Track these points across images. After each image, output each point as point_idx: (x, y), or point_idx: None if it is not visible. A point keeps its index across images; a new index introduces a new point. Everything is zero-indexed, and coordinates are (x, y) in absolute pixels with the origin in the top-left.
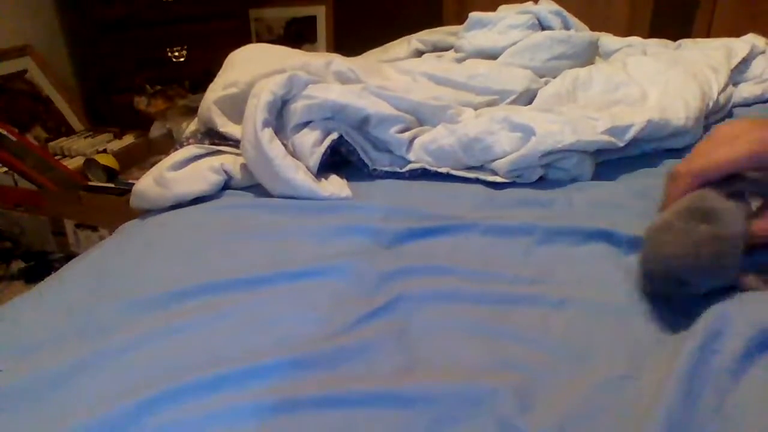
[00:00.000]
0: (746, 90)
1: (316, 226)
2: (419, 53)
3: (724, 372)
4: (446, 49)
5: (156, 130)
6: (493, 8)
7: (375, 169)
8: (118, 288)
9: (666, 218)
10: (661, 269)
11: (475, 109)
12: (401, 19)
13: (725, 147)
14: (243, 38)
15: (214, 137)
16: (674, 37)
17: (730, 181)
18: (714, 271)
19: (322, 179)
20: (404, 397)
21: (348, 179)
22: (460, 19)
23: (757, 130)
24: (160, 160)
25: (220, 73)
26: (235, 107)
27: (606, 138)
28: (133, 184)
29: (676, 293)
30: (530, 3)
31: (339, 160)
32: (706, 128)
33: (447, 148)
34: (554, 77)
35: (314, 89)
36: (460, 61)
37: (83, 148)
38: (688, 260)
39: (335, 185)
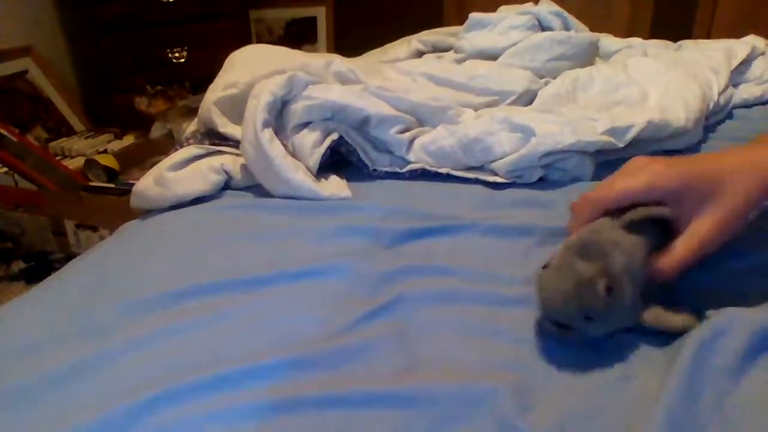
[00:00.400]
0: (746, 91)
1: (316, 226)
2: (419, 54)
3: (724, 372)
4: (446, 49)
5: (156, 131)
6: (494, 9)
7: (375, 170)
8: (119, 288)
9: (554, 256)
10: (545, 314)
11: (475, 109)
12: (401, 19)
13: (626, 178)
14: (243, 39)
15: (214, 138)
16: (674, 38)
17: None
18: (602, 315)
19: (322, 179)
20: (404, 398)
21: (348, 179)
22: (460, 19)
23: (659, 164)
24: (161, 160)
25: (220, 73)
26: (235, 108)
27: (606, 139)
28: (134, 184)
29: (572, 338)
30: (530, 4)
31: (339, 161)
32: (707, 129)
33: (447, 149)
34: (554, 78)
35: (314, 90)
36: (460, 61)
37: (84, 149)
38: (566, 304)
39: (335, 185)
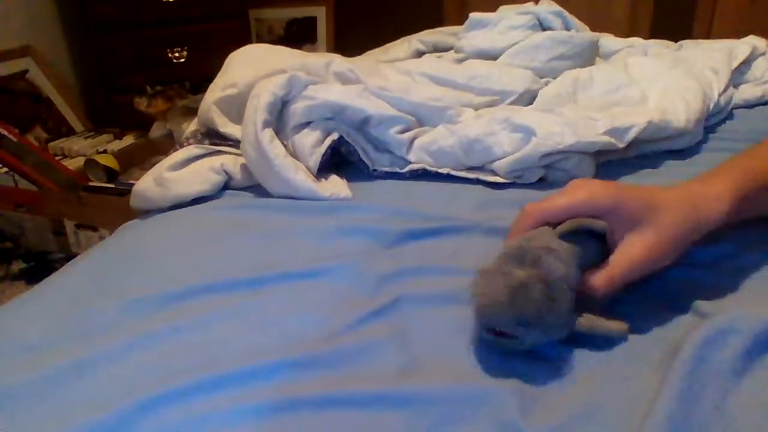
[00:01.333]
0: (747, 91)
1: (316, 226)
2: (419, 54)
3: (724, 372)
4: (446, 49)
5: (156, 131)
6: (494, 9)
7: (375, 170)
8: (119, 288)
9: (491, 262)
10: (479, 320)
11: (476, 109)
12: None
13: (564, 194)
14: (243, 39)
15: (214, 137)
16: (674, 38)
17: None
18: (538, 320)
19: (322, 179)
20: (404, 398)
21: (348, 180)
22: (460, 19)
23: (596, 183)
24: (161, 160)
25: (220, 73)
26: (235, 108)
27: (606, 139)
28: (134, 184)
29: (504, 346)
30: (530, 3)
31: (339, 161)
32: (707, 129)
33: (447, 149)
34: (555, 78)
35: (314, 90)
36: (460, 61)
37: (83, 149)
38: (501, 308)
39: (335, 185)
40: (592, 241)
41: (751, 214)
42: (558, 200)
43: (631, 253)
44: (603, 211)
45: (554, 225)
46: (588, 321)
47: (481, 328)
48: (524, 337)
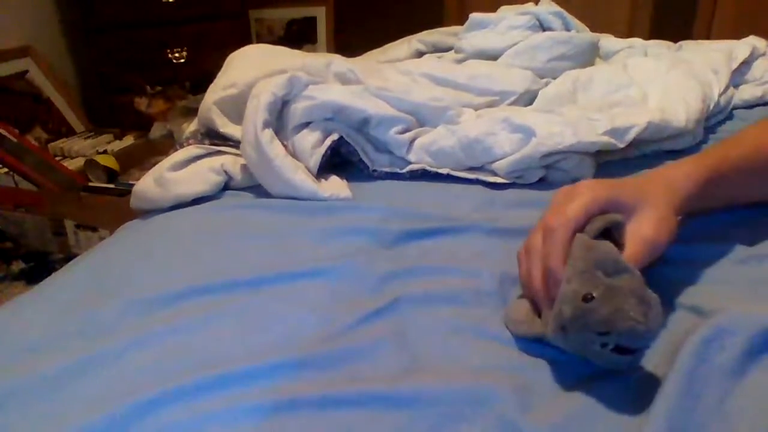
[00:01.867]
0: (747, 92)
1: (316, 226)
2: (420, 54)
3: (724, 372)
4: (447, 49)
5: (156, 131)
6: (494, 9)
7: (375, 170)
8: (119, 288)
9: (570, 282)
10: (610, 339)
11: (476, 109)
12: (401, 19)
13: (572, 201)
14: (243, 39)
15: (214, 138)
16: (674, 39)
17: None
18: (657, 333)
19: (323, 180)
20: (404, 398)
21: (348, 180)
22: (460, 19)
23: (589, 183)
24: (161, 160)
25: (220, 73)
26: (235, 108)
27: (606, 139)
28: (134, 184)
29: (626, 362)
30: (531, 4)
31: (339, 161)
32: (707, 130)
33: (447, 149)
34: (555, 78)
35: (314, 90)
36: (460, 61)
37: (84, 149)
38: (644, 327)
39: (335, 186)
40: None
41: (724, 200)
42: (572, 206)
43: (642, 234)
44: (606, 206)
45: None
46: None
47: (602, 350)
48: (645, 350)
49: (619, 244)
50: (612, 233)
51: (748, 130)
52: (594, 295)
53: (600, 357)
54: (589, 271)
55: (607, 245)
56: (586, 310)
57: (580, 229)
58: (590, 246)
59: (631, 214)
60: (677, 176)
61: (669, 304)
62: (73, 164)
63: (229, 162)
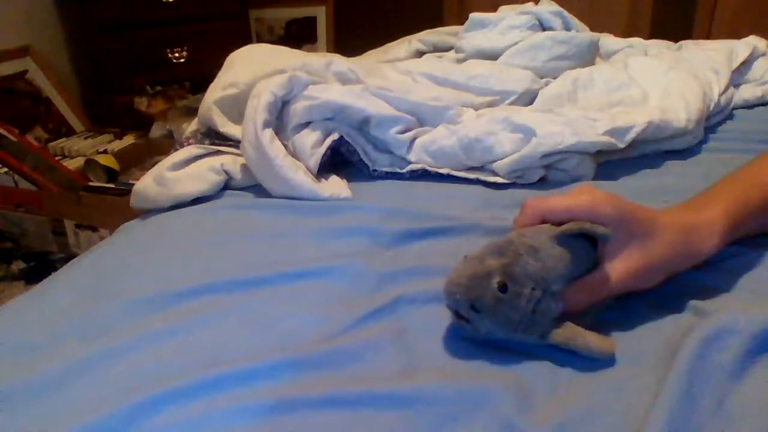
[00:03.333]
0: (747, 92)
1: (316, 226)
2: (420, 53)
3: (724, 372)
4: (447, 49)
5: (156, 131)
6: (494, 9)
7: (375, 170)
8: (119, 288)
9: (478, 251)
10: (447, 300)
11: (476, 109)
12: (401, 19)
13: (569, 196)
14: (243, 39)
15: (214, 137)
16: (674, 38)
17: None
18: (489, 310)
19: (323, 180)
20: (404, 398)
21: (348, 180)
22: (460, 19)
23: (602, 192)
24: (161, 160)
25: (220, 73)
26: (235, 108)
27: (607, 139)
28: (134, 184)
29: (463, 329)
30: (531, 3)
31: (339, 161)
32: (707, 130)
33: (447, 149)
34: (555, 78)
35: (314, 90)
36: (460, 61)
37: (83, 149)
38: (457, 290)
39: (335, 186)
40: (590, 250)
41: (740, 236)
42: (560, 200)
43: (628, 265)
44: (603, 221)
45: (557, 224)
46: (567, 332)
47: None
48: (477, 324)
49: (594, 256)
50: (597, 243)
51: (762, 165)
52: (464, 256)
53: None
54: (491, 245)
55: (536, 238)
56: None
57: (553, 221)
58: (525, 233)
59: (630, 240)
60: (700, 229)
61: (670, 304)
62: (73, 164)
63: (229, 162)
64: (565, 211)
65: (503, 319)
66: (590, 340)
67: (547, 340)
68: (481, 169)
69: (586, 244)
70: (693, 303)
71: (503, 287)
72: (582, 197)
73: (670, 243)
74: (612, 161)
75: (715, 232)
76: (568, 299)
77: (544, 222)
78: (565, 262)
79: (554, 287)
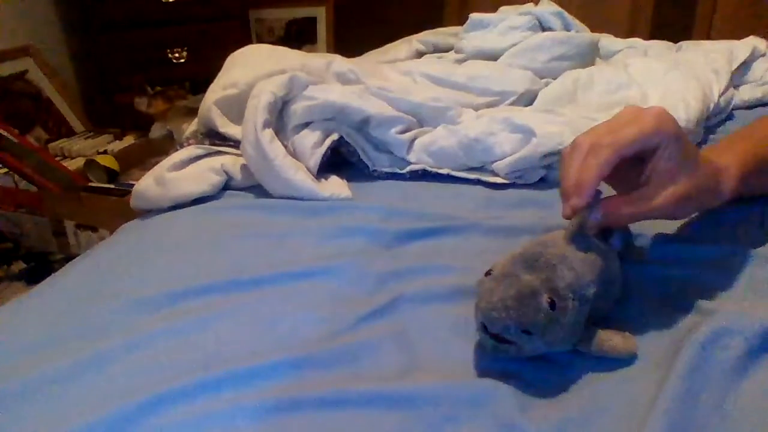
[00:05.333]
0: (747, 92)
1: (316, 226)
2: (420, 54)
3: (724, 372)
4: (447, 50)
5: (156, 131)
6: (494, 9)
7: (375, 170)
8: (119, 288)
9: (502, 261)
10: (480, 321)
11: (476, 110)
12: (401, 19)
13: (634, 123)
14: (243, 39)
15: (214, 138)
16: (674, 39)
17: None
18: (542, 330)
19: (323, 180)
20: (404, 398)
21: (348, 180)
22: (460, 19)
23: (658, 110)
24: (161, 161)
25: (220, 73)
26: (236, 108)
27: None
28: (134, 184)
29: (502, 351)
30: (530, 4)
31: (339, 161)
32: (707, 130)
33: (447, 149)
34: (555, 78)
35: (315, 90)
36: (460, 62)
37: (84, 149)
38: (506, 314)
39: (335, 186)
40: (600, 240)
41: (747, 192)
42: (629, 135)
43: (675, 190)
44: (668, 141)
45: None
46: (596, 338)
47: (479, 329)
48: (524, 345)
49: (605, 248)
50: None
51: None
52: (491, 271)
53: (481, 338)
54: (518, 256)
55: (563, 247)
56: (479, 282)
57: (627, 156)
58: (548, 243)
59: (679, 165)
60: (721, 171)
61: (671, 304)
62: (73, 164)
63: (229, 162)
64: (638, 144)
65: (552, 336)
66: (616, 342)
67: (581, 347)
68: (481, 169)
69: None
70: (694, 303)
71: (552, 304)
72: (648, 122)
73: (707, 176)
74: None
75: (732, 176)
76: (611, 211)
77: (619, 164)
78: (591, 265)
79: (587, 293)
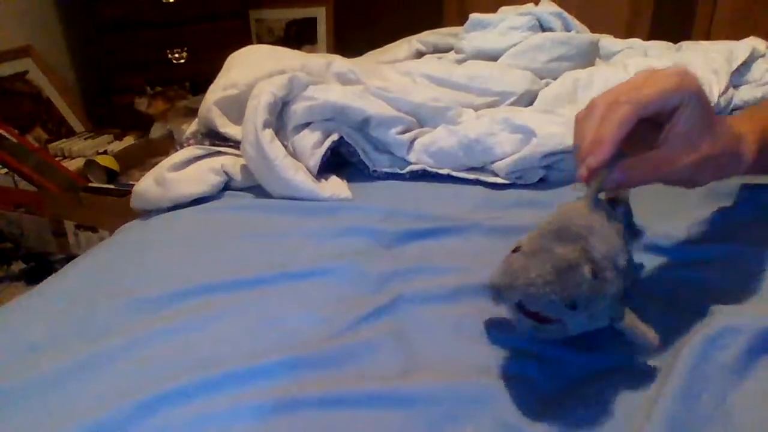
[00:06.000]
0: (746, 93)
1: (316, 226)
2: (420, 54)
3: (725, 371)
4: (447, 50)
5: (156, 132)
6: (494, 9)
7: (375, 171)
8: (119, 288)
9: (522, 241)
10: (518, 302)
11: (476, 110)
12: (401, 20)
13: (652, 83)
14: (243, 39)
15: (214, 138)
16: (674, 39)
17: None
18: (587, 302)
19: (323, 180)
20: (404, 397)
21: (348, 180)
22: (460, 20)
23: (674, 68)
24: (161, 161)
25: (220, 74)
26: (236, 108)
27: None
28: (134, 185)
29: (546, 332)
30: (530, 4)
31: (339, 161)
32: None
33: (447, 150)
34: (555, 79)
35: (315, 90)
36: (460, 62)
37: (84, 150)
38: (549, 289)
39: (335, 186)
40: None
41: (755, 172)
42: (647, 89)
43: (697, 154)
44: (690, 99)
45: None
46: (630, 320)
47: (516, 312)
48: (569, 322)
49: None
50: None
51: None
52: (521, 246)
53: (518, 321)
54: (544, 231)
55: (587, 216)
56: (508, 261)
57: (646, 116)
58: (568, 215)
59: (700, 125)
60: (741, 140)
61: (673, 304)
62: (73, 164)
63: (229, 162)
64: (660, 102)
65: (596, 308)
66: (644, 328)
67: (617, 323)
68: (481, 169)
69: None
70: (695, 303)
71: (595, 275)
72: (668, 80)
73: (727, 140)
74: None
75: (750, 142)
76: (630, 172)
77: (633, 130)
78: (617, 235)
79: (620, 263)
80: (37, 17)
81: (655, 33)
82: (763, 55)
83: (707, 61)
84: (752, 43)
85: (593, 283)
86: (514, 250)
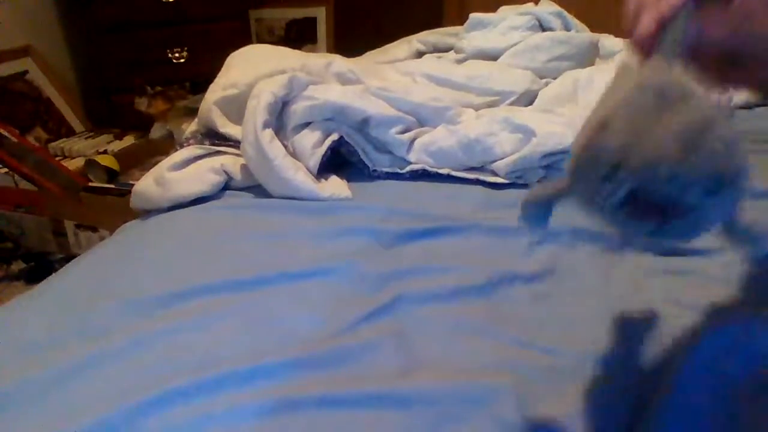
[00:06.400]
0: (747, 92)
1: (316, 226)
2: (420, 54)
3: (727, 370)
4: (447, 50)
5: (156, 131)
6: (494, 9)
7: (375, 170)
8: (119, 288)
9: (599, 108)
10: (624, 185)
11: (476, 110)
12: (401, 19)
13: None
14: (243, 39)
15: (214, 138)
16: None
17: None
18: (729, 182)
19: (322, 180)
20: (404, 397)
21: (348, 180)
22: (460, 19)
23: None
24: (161, 160)
25: (220, 74)
26: (236, 108)
27: None
28: (134, 185)
29: (665, 233)
30: (531, 4)
31: (339, 161)
32: None
33: (447, 149)
34: (555, 78)
35: (315, 90)
36: (460, 62)
37: (84, 149)
38: (680, 160)
39: (335, 186)
40: None
41: None
42: None
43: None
44: None
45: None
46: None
47: (622, 212)
48: (709, 211)
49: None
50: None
51: None
52: (605, 125)
53: (610, 217)
54: (638, 91)
55: (681, 73)
56: (592, 142)
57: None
58: (659, 71)
59: None
60: None
61: (674, 304)
62: (73, 164)
63: (229, 162)
64: None
65: (739, 191)
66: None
67: (741, 218)
68: (481, 169)
69: None
70: (696, 303)
71: (737, 140)
72: None
73: None
74: None
75: None
76: (708, 22)
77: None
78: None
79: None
80: (37, 17)
81: None
82: None
83: None
84: None
85: (739, 152)
86: (602, 125)
